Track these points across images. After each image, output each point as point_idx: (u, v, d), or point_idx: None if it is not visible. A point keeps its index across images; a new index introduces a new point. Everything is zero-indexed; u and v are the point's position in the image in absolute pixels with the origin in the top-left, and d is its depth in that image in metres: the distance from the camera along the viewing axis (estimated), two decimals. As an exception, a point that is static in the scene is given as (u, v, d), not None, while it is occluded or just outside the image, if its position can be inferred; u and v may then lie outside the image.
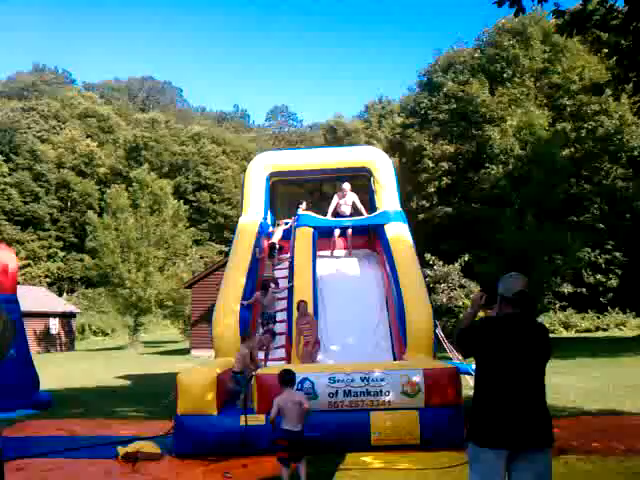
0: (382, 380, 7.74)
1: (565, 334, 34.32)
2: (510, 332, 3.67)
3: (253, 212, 13.56)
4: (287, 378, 6.28)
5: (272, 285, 11.31)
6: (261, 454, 7.30)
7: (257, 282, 12.23)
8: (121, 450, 7.56)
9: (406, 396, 7.71)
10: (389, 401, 7.71)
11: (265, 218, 13.88)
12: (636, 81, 7.05)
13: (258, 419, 7.66)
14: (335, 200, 14.07)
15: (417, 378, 7.74)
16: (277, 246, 13.42)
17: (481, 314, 4.03)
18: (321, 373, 7.89)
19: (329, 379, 7.76)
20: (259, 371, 8.20)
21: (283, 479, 6.02)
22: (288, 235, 13.64)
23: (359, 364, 8.17)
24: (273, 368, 8.10)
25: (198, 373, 8.36)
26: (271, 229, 14.13)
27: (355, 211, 14.04)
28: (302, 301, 10.32)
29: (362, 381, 7.72)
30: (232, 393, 8.49)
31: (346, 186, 14.09)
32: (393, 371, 7.92)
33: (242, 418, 7.67)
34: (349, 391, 7.71)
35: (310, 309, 10.37)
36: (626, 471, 6.36)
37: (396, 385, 7.72)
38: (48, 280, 63.52)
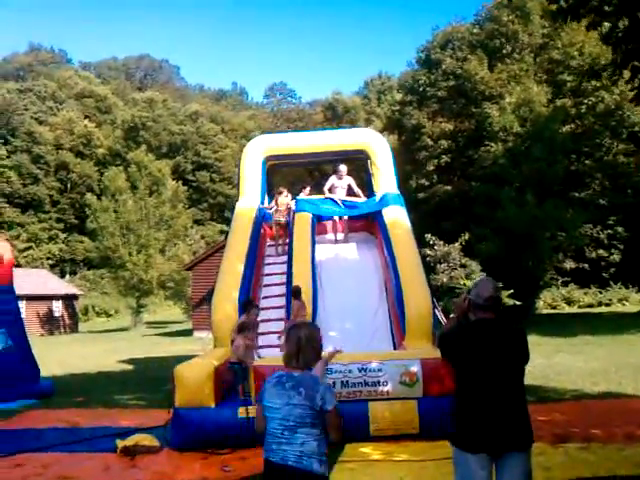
0: (380, 371, 7.70)
1: (567, 309, 34.45)
2: (484, 337, 3.64)
3: (250, 197, 13.48)
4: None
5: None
6: (260, 446, 7.28)
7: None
8: (120, 443, 7.54)
9: (404, 386, 7.67)
10: (387, 391, 7.68)
11: (262, 202, 13.80)
12: (634, 66, 6.89)
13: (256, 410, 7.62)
14: (331, 180, 13.92)
15: (415, 368, 7.70)
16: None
17: None
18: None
19: (326, 370, 7.69)
20: (256, 362, 8.16)
21: None
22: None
23: (356, 354, 8.11)
24: (270, 359, 8.06)
25: (196, 366, 8.30)
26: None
27: (350, 194, 13.94)
28: (295, 286, 10.18)
29: (360, 372, 7.68)
30: (230, 385, 8.48)
31: (343, 168, 13.95)
32: (391, 361, 7.88)
33: (241, 410, 7.65)
34: (347, 382, 7.66)
35: (307, 295, 10.25)
36: (626, 461, 6.33)
37: (394, 375, 7.68)
38: (50, 262, 63.55)
